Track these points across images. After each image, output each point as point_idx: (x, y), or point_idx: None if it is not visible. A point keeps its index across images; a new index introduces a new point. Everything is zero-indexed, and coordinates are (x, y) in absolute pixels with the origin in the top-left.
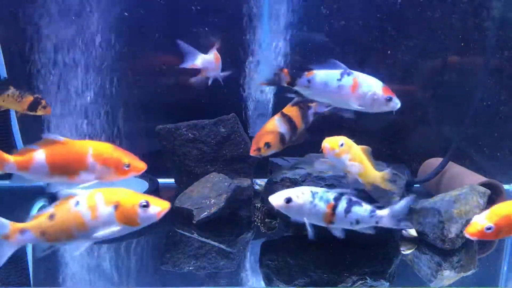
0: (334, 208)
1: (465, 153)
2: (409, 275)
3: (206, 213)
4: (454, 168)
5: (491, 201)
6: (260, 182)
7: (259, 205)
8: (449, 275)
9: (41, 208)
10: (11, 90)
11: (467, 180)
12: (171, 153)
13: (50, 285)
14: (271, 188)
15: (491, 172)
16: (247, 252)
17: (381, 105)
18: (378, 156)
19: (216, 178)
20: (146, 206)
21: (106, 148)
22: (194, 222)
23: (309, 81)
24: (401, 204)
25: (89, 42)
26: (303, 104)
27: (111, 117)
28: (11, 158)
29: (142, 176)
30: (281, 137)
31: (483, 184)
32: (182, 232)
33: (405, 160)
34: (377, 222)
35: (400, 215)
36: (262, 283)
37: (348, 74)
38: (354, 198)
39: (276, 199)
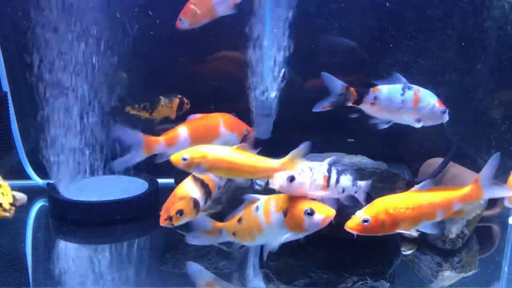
0: (328, 179)
1: (465, 153)
2: (409, 276)
3: (206, 213)
4: (455, 168)
5: (491, 201)
6: (260, 182)
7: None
8: (449, 276)
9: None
10: (162, 100)
11: (467, 180)
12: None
13: (50, 285)
14: (271, 188)
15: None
16: (247, 252)
17: (436, 118)
18: (378, 156)
19: (216, 178)
20: (310, 214)
21: (231, 118)
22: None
23: (375, 97)
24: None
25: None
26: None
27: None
28: (161, 139)
29: (142, 176)
30: (195, 203)
31: None
32: (182, 232)
33: (406, 160)
34: (356, 192)
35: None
36: (262, 283)
37: (409, 88)
38: (339, 168)
39: (279, 180)
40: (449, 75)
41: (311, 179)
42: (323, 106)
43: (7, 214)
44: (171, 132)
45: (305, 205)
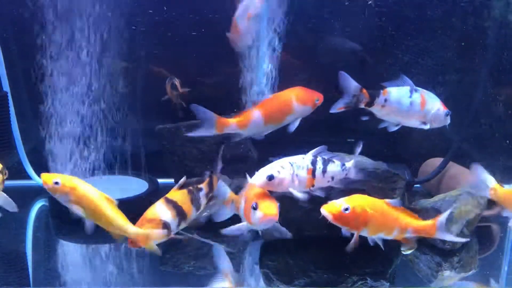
0: (313, 172)
1: (465, 153)
2: (409, 275)
3: (206, 213)
4: (455, 168)
5: (491, 201)
6: None
7: None
8: (449, 275)
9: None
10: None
11: (467, 180)
12: (171, 153)
13: (50, 285)
14: None
15: (491, 172)
16: (247, 253)
17: (441, 120)
18: (378, 156)
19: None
20: (255, 208)
21: (303, 91)
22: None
23: (385, 100)
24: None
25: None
26: (193, 187)
27: (111, 117)
28: (231, 121)
29: (142, 176)
30: (164, 226)
31: None
32: (182, 232)
33: (406, 160)
34: (346, 174)
35: (361, 165)
36: (262, 283)
37: (416, 91)
38: (326, 157)
39: (258, 179)
40: (449, 75)
41: (293, 174)
42: (338, 108)
43: None
44: (244, 114)
45: (256, 199)
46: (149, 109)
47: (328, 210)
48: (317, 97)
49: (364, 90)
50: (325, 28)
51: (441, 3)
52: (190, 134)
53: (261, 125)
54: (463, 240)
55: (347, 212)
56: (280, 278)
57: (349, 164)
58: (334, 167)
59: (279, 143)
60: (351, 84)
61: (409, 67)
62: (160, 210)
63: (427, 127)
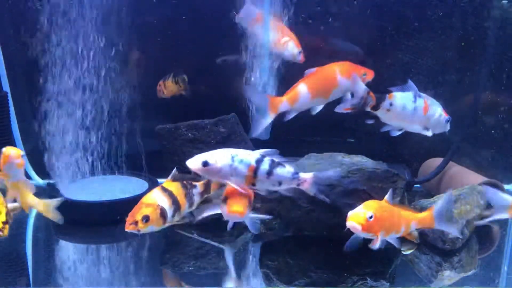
0: (255, 170)
1: (465, 153)
2: (409, 275)
3: (206, 213)
4: (455, 168)
5: None
6: None
7: (259, 205)
8: (449, 276)
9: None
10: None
11: (467, 180)
12: (171, 153)
13: (50, 285)
14: None
15: (491, 172)
16: (247, 253)
17: (442, 126)
18: (378, 156)
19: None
20: (224, 201)
21: (348, 66)
22: (194, 222)
23: (391, 104)
24: (326, 173)
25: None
26: (187, 182)
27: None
28: (284, 98)
29: (142, 176)
30: (162, 212)
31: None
32: (181, 232)
33: (406, 160)
34: (298, 185)
35: (322, 183)
36: (262, 283)
37: (420, 96)
38: (277, 160)
39: (193, 163)
40: (449, 75)
41: (231, 166)
42: (345, 108)
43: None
44: (292, 90)
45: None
46: (149, 109)
47: (357, 221)
48: (364, 72)
49: (372, 93)
50: (325, 29)
51: (441, 3)
52: (254, 136)
53: (309, 99)
54: (459, 234)
55: (371, 220)
56: (280, 278)
57: (306, 175)
58: (283, 172)
59: (279, 143)
60: (361, 86)
61: (409, 67)
62: (157, 197)
63: (429, 133)
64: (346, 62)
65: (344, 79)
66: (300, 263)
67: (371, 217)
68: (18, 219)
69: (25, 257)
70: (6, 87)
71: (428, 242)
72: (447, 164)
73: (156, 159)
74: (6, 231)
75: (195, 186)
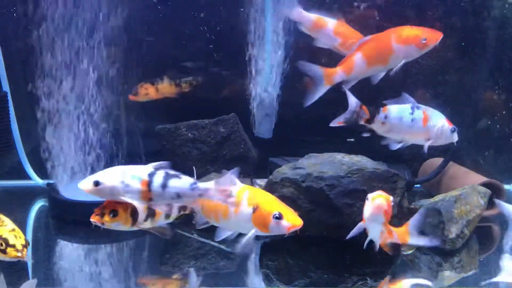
0: (149, 184)
1: (465, 153)
2: (409, 276)
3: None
4: (455, 168)
5: (491, 201)
6: (260, 182)
7: None
8: (449, 276)
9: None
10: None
11: (467, 180)
12: (171, 153)
13: (50, 285)
14: (271, 188)
15: (491, 172)
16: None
17: (447, 137)
18: (378, 156)
19: (216, 178)
20: (279, 218)
21: (404, 30)
22: (193, 222)
23: (385, 116)
24: (226, 177)
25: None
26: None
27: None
28: (338, 68)
29: None
30: (133, 211)
31: (483, 184)
32: (181, 232)
33: (406, 160)
34: (200, 195)
35: (228, 187)
36: (262, 284)
37: (418, 108)
38: (171, 172)
39: (85, 184)
40: (449, 75)
41: (123, 183)
42: (339, 122)
43: (19, 254)
44: (347, 59)
45: (274, 207)
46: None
47: (386, 198)
48: (424, 36)
49: (364, 107)
50: None
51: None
52: (308, 103)
53: (365, 67)
54: (438, 243)
55: (393, 204)
56: (280, 278)
57: (207, 184)
58: (179, 184)
59: (279, 143)
60: (352, 100)
61: (409, 67)
62: None
63: (429, 142)
64: (406, 26)
65: (399, 45)
66: (300, 263)
67: (392, 201)
68: (18, 220)
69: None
70: (6, 87)
71: None
72: (447, 164)
73: (156, 159)
74: (25, 253)
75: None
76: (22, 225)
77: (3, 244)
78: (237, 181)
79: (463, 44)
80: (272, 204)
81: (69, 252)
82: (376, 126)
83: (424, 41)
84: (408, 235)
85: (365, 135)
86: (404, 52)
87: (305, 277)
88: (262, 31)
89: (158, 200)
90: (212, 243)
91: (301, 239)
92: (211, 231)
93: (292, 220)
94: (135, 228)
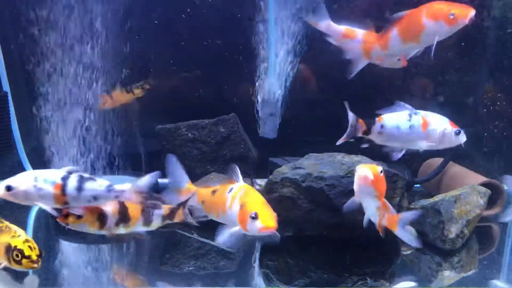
0: (63, 188)
1: (465, 153)
2: (409, 276)
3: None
4: (455, 168)
5: (491, 201)
6: (260, 182)
7: None
8: (449, 275)
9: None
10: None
11: (467, 180)
12: (171, 153)
13: (50, 285)
14: (271, 188)
15: (491, 172)
16: (247, 252)
17: (450, 140)
18: (378, 156)
19: (216, 178)
20: (254, 218)
21: (436, 4)
22: (191, 218)
23: (382, 126)
24: (144, 179)
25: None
26: (151, 203)
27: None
28: (375, 44)
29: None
30: (100, 215)
31: (483, 184)
32: (182, 232)
33: (406, 160)
34: (117, 197)
35: (145, 190)
36: (262, 283)
37: (416, 114)
38: (86, 175)
39: None
40: (449, 75)
41: (36, 187)
42: (342, 139)
43: (35, 265)
44: (383, 34)
45: (255, 207)
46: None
47: (373, 170)
48: (452, 11)
49: (360, 120)
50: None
51: None
52: (350, 77)
53: (400, 43)
54: (419, 245)
55: (382, 174)
56: (280, 278)
57: (123, 187)
58: (95, 186)
59: (279, 143)
60: (349, 114)
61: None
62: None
63: (432, 146)
64: (439, 1)
65: (430, 21)
66: (300, 263)
67: (381, 171)
68: (18, 219)
69: None
70: (6, 87)
71: (428, 242)
72: (447, 164)
73: (156, 159)
74: (40, 264)
75: (159, 207)
76: (22, 225)
77: (19, 255)
78: (240, 177)
79: (463, 44)
80: (255, 204)
81: (69, 252)
82: (374, 137)
83: (452, 17)
84: (396, 224)
85: (364, 146)
86: (434, 29)
87: (305, 277)
88: (268, 31)
89: (74, 203)
90: (212, 243)
91: (301, 239)
92: (211, 231)
93: (265, 222)
94: (105, 232)
